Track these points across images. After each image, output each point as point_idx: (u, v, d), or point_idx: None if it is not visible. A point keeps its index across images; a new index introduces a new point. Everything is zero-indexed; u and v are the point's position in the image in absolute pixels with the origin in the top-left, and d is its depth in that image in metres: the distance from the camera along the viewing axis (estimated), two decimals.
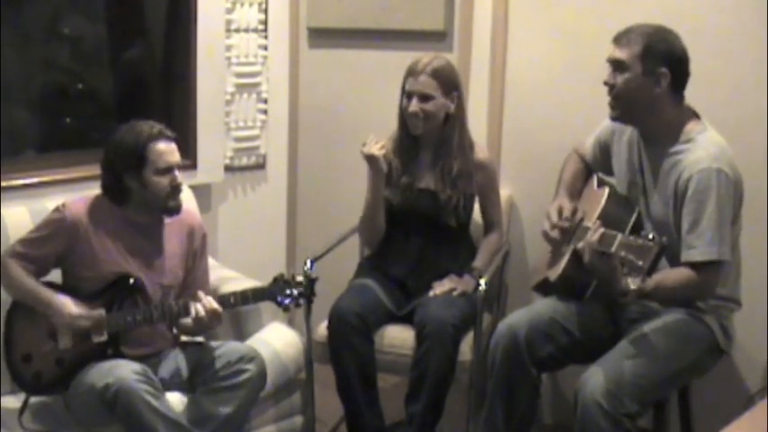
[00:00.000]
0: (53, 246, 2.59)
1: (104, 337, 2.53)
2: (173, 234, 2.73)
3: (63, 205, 2.63)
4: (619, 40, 2.47)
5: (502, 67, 3.33)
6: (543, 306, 2.68)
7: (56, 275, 2.65)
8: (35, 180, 3.05)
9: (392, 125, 3.06)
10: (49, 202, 2.76)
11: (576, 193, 2.76)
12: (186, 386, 2.63)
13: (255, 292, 2.63)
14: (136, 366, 2.43)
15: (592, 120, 2.81)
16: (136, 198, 2.64)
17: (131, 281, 2.60)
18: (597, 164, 2.79)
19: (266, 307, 2.91)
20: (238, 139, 3.64)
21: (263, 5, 3.61)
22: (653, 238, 2.19)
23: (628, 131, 2.62)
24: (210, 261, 2.90)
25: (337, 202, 3.71)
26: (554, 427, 3.34)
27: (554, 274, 2.65)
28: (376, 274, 3.02)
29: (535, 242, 2.93)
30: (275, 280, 2.63)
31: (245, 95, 3.63)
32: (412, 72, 2.92)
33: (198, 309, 2.54)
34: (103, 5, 3.49)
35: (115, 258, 2.62)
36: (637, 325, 2.54)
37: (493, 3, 3.30)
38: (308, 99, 3.79)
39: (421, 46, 3.33)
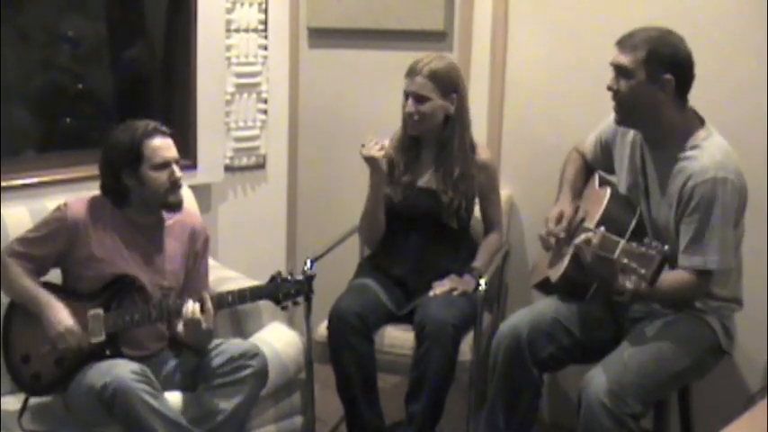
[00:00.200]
0: (53, 245, 2.58)
1: (103, 337, 2.53)
2: (174, 235, 2.73)
3: (64, 205, 2.63)
4: (623, 44, 2.45)
5: (502, 67, 3.33)
6: (545, 306, 2.68)
7: (56, 275, 2.65)
8: (35, 180, 3.05)
9: (392, 125, 3.06)
10: (49, 202, 2.76)
11: (577, 192, 2.77)
12: (187, 385, 2.63)
13: (253, 291, 2.63)
14: (134, 366, 2.43)
15: (592, 119, 2.81)
16: (136, 197, 2.64)
17: (130, 281, 2.60)
18: (598, 162, 2.78)
19: (266, 307, 2.91)
20: (238, 139, 3.65)
21: (263, 5, 3.61)
22: (655, 246, 2.19)
23: (631, 132, 2.62)
24: (210, 261, 2.90)
25: (337, 202, 3.71)
26: (553, 426, 3.34)
27: (555, 274, 2.65)
28: (376, 274, 3.02)
29: (535, 242, 2.92)
30: (273, 278, 2.63)
31: (245, 95, 3.64)
32: (410, 72, 2.92)
33: (190, 308, 2.53)
34: (103, 5, 3.49)
35: (115, 259, 2.62)
36: (639, 325, 2.55)
37: (493, 3, 3.30)
38: (308, 99, 3.79)
39: (421, 46, 3.33)
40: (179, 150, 2.68)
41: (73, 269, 2.62)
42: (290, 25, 3.73)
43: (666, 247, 2.21)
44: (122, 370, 2.40)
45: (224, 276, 3.09)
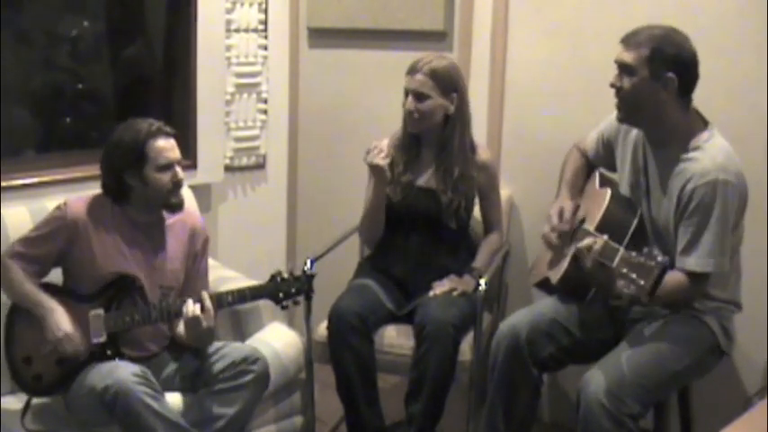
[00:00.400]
0: (53, 244, 2.58)
1: (104, 338, 2.53)
2: (174, 235, 2.72)
3: (64, 204, 2.62)
4: (627, 41, 2.44)
5: (502, 67, 3.33)
6: (544, 307, 2.68)
7: (56, 275, 2.65)
8: (35, 180, 3.05)
9: (392, 125, 3.06)
10: (49, 202, 2.75)
11: (577, 190, 2.76)
12: (188, 387, 2.63)
13: (253, 291, 2.63)
14: (135, 368, 2.43)
15: (592, 119, 2.81)
16: (137, 196, 2.63)
17: (131, 280, 2.60)
18: (599, 159, 2.78)
19: (266, 307, 2.91)
20: (238, 139, 3.64)
21: (263, 5, 3.61)
22: (655, 256, 2.19)
23: (634, 130, 2.61)
24: (210, 261, 2.90)
25: (337, 202, 3.71)
26: (553, 425, 3.34)
27: (555, 275, 2.65)
28: (376, 274, 3.02)
29: (535, 242, 2.93)
30: (273, 278, 2.63)
31: (245, 95, 3.64)
32: (410, 70, 2.92)
33: (190, 307, 2.53)
34: (103, 5, 3.49)
35: (115, 258, 2.61)
36: (638, 325, 2.55)
37: (493, 3, 3.30)
38: (308, 99, 3.79)
39: (421, 46, 3.33)
40: (179, 150, 2.68)
41: (73, 268, 2.62)
42: (290, 25, 3.73)
43: (666, 258, 2.20)
44: (123, 372, 2.40)
45: (224, 276, 3.09)
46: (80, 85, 3.44)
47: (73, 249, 2.59)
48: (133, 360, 2.53)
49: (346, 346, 2.83)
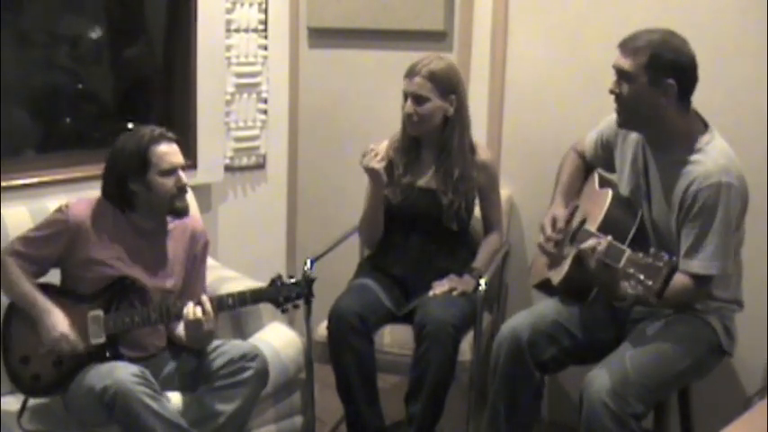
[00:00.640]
0: (54, 246, 2.58)
1: (103, 339, 2.53)
2: (175, 238, 2.72)
3: (66, 206, 2.62)
4: (624, 47, 2.43)
5: (502, 67, 3.33)
6: (546, 308, 2.68)
7: (55, 275, 2.65)
8: (35, 180, 3.05)
9: (392, 125, 3.06)
10: (49, 202, 2.76)
11: (573, 193, 2.76)
12: (187, 385, 2.63)
13: (254, 294, 2.63)
14: (134, 368, 2.43)
15: (591, 120, 2.81)
16: (141, 202, 2.63)
17: (130, 282, 2.60)
18: (598, 160, 2.77)
19: (266, 307, 2.91)
20: (238, 139, 3.64)
21: (263, 5, 3.61)
22: (662, 257, 2.19)
23: (633, 132, 2.61)
24: (210, 261, 2.90)
25: (337, 202, 3.71)
26: (553, 425, 3.34)
27: (557, 277, 2.64)
28: (376, 274, 3.02)
29: (535, 242, 2.92)
30: (273, 282, 2.62)
31: (245, 95, 3.64)
32: (408, 73, 2.92)
33: (191, 310, 2.53)
34: (103, 5, 3.49)
35: (116, 261, 2.61)
36: (641, 325, 2.54)
37: (493, 3, 3.30)
38: (308, 99, 3.79)
39: (421, 46, 3.33)
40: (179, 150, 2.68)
41: (73, 270, 2.62)
42: (290, 25, 3.73)
43: (674, 258, 2.20)
44: (122, 373, 2.40)
45: (224, 276, 3.09)
46: (80, 86, 3.44)
47: (73, 252, 2.59)
48: (132, 360, 2.53)
49: (346, 346, 2.83)
